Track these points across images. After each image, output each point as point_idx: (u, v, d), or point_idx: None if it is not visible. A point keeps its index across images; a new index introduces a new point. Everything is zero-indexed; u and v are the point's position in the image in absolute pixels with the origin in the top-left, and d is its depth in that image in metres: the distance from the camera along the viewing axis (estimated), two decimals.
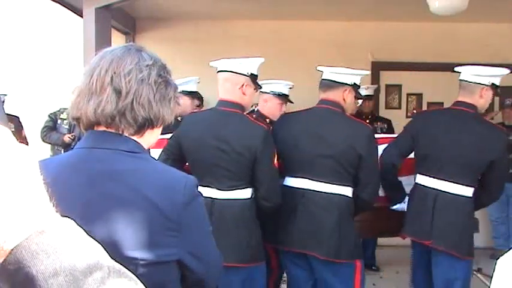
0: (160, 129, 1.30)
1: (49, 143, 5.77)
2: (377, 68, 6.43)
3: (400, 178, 3.25)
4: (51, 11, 6.31)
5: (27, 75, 6.70)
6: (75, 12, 5.34)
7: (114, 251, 0.97)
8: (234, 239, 2.64)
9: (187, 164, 2.85)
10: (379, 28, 6.25)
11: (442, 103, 6.27)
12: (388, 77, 6.49)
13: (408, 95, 6.64)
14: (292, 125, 2.96)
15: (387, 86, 6.50)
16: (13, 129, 5.13)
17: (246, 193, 2.71)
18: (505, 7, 5.37)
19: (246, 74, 2.81)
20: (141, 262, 1.08)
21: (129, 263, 1.02)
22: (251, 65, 2.85)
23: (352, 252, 2.82)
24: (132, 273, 1.02)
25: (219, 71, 2.87)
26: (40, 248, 0.53)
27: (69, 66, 6.24)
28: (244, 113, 2.82)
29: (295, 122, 2.98)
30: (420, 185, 3.08)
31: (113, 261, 0.58)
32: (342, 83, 2.93)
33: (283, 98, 4.06)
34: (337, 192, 2.80)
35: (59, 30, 6.89)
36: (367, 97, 5.39)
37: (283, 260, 3.07)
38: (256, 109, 5.37)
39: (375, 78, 6.37)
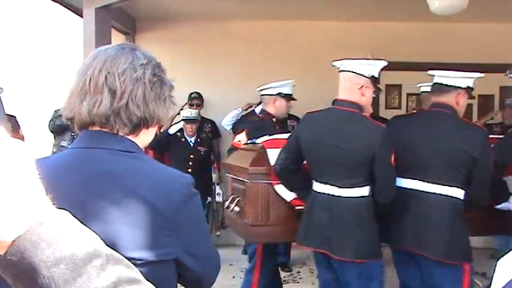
0: (155, 128, 1.29)
1: (58, 130, 5.57)
2: None
3: (504, 178, 3.31)
4: (51, 11, 6.31)
5: (27, 75, 6.70)
6: (75, 12, 5.35)
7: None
8: (352, 235, 2.71)
9: (305, 162, 2.92)
10: (379, 28, 6.25)
11: None
12: (388, 77, 6.48)
13: (408, 95, 6.65)
14: (406, 127, 3.00)
15: (387, 86, 6.49)
16: (10, 129, 5.11)
17: (364, 191, 2.75)
18: (505, 7, 5.37)
19: (366, 75, 2.83)
20: (138, 262, 1.06)
21: None
22: (373, 68, 2.86)
23: (462, 254, 2.82)
24: None
25: (340, 71, 2.90)
26: (41, 239, 0.55)
27: (69, 66, 6.24)
28: (362, 113, 2.86)
29: (410, 124, 3.02)
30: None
31: (110, 249, 0.61)
32: (455, 87, 2.95)
33: (289, 97, 4.11)
34: (449, 194, 2.82)
35: (59, 30, 6.89)
36: None
37: (394, 259, 3.11)
38: (257, 108, 5.37)
39: None
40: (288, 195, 3.06)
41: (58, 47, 6.87)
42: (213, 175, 6.07)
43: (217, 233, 6.38)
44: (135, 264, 1.05)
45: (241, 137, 3.86)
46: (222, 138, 6.33)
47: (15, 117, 5.62)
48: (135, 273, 0.61)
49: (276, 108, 4.03)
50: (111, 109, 1.17)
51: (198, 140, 5.51)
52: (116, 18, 5.28)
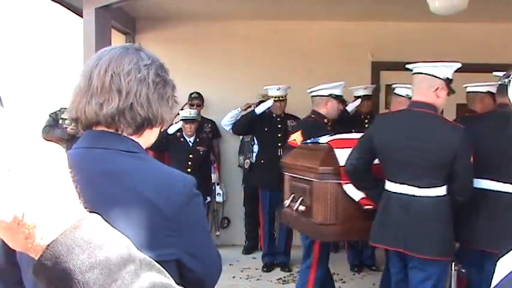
0: (159, 128, 1.30)
1: (51, 140, 5.69)
2: (377, 68, 6.43)
3: None
4: (51, 11, 6.31)
5: (27, 75, 6.70)
6: (75, 12, 5.34)
7: None
8: (431, 234, 2.76)
9: (376, 162, 2.98)
10: (379, 28, 6.25)
11: None
12: (388, 77, 6.48)
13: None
14: (475, 127, 3.04)
15: (387, 86, 6.49)
16: None
17: (442, 190, 2.81)
18: (505, 7, 5.37)
19: (441, 77, 2.89)
20: None
21: None
22: (448, 70, 2.94)
23: None
24: None
25: (414, 73, 2.97)
26: (75, 243, 0.54)
27: (69, 66, 6.24)
28: (437, 114, 2.92)
29: (479, 124, 3.08)
30: None
31: (143, 254, 0.60)
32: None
33: (340, 99, 4.24)
34: None
35: (59, 30, 6.89)
36: (365, 97, 5.39)
37: (460, 256, 3.16)
38: (257, 109, 5.38)
39: (374, 78, 6.37)
40: (357, 195, 3.10)
41: (58, 47, 6.88)
42: (212, 175, 6.07)
43: (217, 233, 6.38)
44: None
45: (297, 136, 3.93)
46: (222, 138, 6.34)
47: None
48: (167, 278, 0.61)
49: (328, 109, 4.11)
50: (117, 109, 1.18)
51: (197, 139, 5.51)
52: (116, 18, 5.27)
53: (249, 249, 6.12)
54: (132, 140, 1.22)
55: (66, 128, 5.47)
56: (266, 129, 5.41)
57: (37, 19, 7.04)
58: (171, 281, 0.61)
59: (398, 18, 6.08)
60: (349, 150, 3.05)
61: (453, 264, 3.34)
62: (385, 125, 2.98)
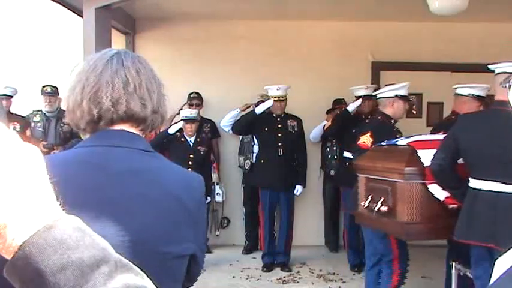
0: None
1: (29, 141, 5.71)
2: (377, 68, 6.43)
3: None
4: (51, 11, 6.31)
5: (27, 75, 6.70)
6: (75, 12, 5.34)
7: (144, 246, 1.08)
8: None
9: (460, 161, 3.06)
10: (379, 28, 6.25)
11: (442, 103, 6.29)
12: (388, 77, 6.48)
13: (408, 94, 6.63)
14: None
15: (387, 86, 6.48)
16: (18, 130, 5.12)
17: None
18: (505, 7, 5.37)
19: None
20: (169, 256, 1.14)
21: (158, 257, 1.11)
22: None
23: None
24: (158, 266, 1.03)
25: (497, 73, 3.04)
26: (47, 243, 0.54)
27: (69, 66, 6.22)
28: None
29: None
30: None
31: (120, 256, 0.59)
32: None
33: (407, 99, 4.25)
34: None
35: (59, 30, 6.90)
36: (366, 97, 5.39)
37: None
38: (257, 108, 5.38)
39: (374, 78, 6.38)
40: (442, 194, 3.17)
41: (58, 47, 6.87)
42: (212, 175, 6.08)
43: (217, 233, 6.38)
44: (166, 259, 1.13)
45: (366, 138, 3.98)
46: (222, 138, 6.34)
47: (25, 117, 5.62)
48: (145, 281, 0.60)
49: (395, 109, 4.13)
50: (152, 110, 1.23)
51: (198, 139, 5.51)
52: (116, 18, 5.28)
53: (249, 249, 6.12)
54: (146, 140, 1.27)
55: (40, 140, 5.45)
56: (266, 129, 5.41)
57: (37, 19, 7.04)
58: (148, 283, 0.60)
59: (398, 18, 6.08)
60: (432, 151, 3.13)
61: (453, 264, 3.36)
62: (470, 125, 3.07)
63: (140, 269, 0.61)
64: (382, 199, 3.33)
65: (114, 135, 1.22)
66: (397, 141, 3.54)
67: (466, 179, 3.05)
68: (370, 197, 3.48)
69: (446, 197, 3.17)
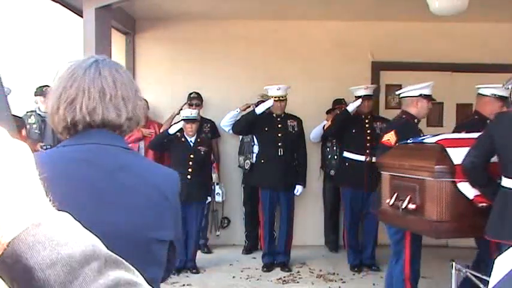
0: None
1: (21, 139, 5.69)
2: (377, 68, 6.43)
3: None
4: (51, 11, 6.31)
5: (27, 75, 6.70)
6: (75, 12, 5.34)
7: (135, 232, 1.23)
8: None
9: (491, 161, 3.11)
10: (379, 28, 6.25)
11: (442, 103, 6.28)
12: (388, 77, 6.49)
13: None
14: None
15: (387, 86, 6.49)
16: (16, 130, 5.11)
17: None
18: (505, 7, 5.37)
19: None
20: (154, 241, 1.28)
21: (145, 242, 1.25)
22: None
23: None
24: (145, 251, 1.15)
25: None
26: (37, 240, 0.54)
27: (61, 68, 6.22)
28: None
29: None
30: None
31: (110, 252, 0.59)
32: None
33: (430, 98, 4.23)
34: None
35: (59, 30, 6.90)
36: (366, 97, 5.39)
37: None
38: (257, 108, 5.38)
39: (374, 78, 6.38)
40: (471, 193, 3.17)
41: (58, 47, 6.87)
42: (212, 175, 6.07)
43: (217, 233, 6.38)
44: (152, 242, 1.26)
45: (390, 136, 3.99)
46: (222, 138, 6.34)
47: (22, 118, 5.61)
48: (136, 276, 0.60)
49: (418, 108, 4.13)
50: (127, 118, 1.34)
51: (198, 140, 5.51)
52: (116, 18, 5.28)
53: (249, 249, 6.12)
54: (124, 139, 1.39)
55: (37, 142, 5.45)
56: (266, 129, 5.40)
57: (37, 19, 7.04)
58: (139, 278, 0.60)
59: (398, 18, 6.08)
60: (462, 149, 3.14)
61: (453, 264, 3.35)
62: (506, 123, 3.09)
63: (130, 255, 0.61)
64: (409, 197, 3.31)
65: (95, 134, 1.31)
66: (423, 139, 3.53)
67: (497, 178, 3.06)
68: (396, 194, 3.45)
69: (476, 196, 3.16)
